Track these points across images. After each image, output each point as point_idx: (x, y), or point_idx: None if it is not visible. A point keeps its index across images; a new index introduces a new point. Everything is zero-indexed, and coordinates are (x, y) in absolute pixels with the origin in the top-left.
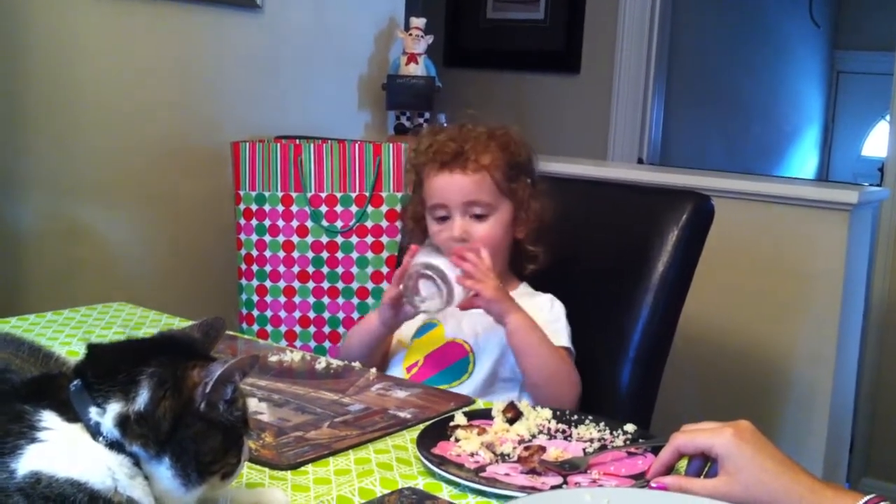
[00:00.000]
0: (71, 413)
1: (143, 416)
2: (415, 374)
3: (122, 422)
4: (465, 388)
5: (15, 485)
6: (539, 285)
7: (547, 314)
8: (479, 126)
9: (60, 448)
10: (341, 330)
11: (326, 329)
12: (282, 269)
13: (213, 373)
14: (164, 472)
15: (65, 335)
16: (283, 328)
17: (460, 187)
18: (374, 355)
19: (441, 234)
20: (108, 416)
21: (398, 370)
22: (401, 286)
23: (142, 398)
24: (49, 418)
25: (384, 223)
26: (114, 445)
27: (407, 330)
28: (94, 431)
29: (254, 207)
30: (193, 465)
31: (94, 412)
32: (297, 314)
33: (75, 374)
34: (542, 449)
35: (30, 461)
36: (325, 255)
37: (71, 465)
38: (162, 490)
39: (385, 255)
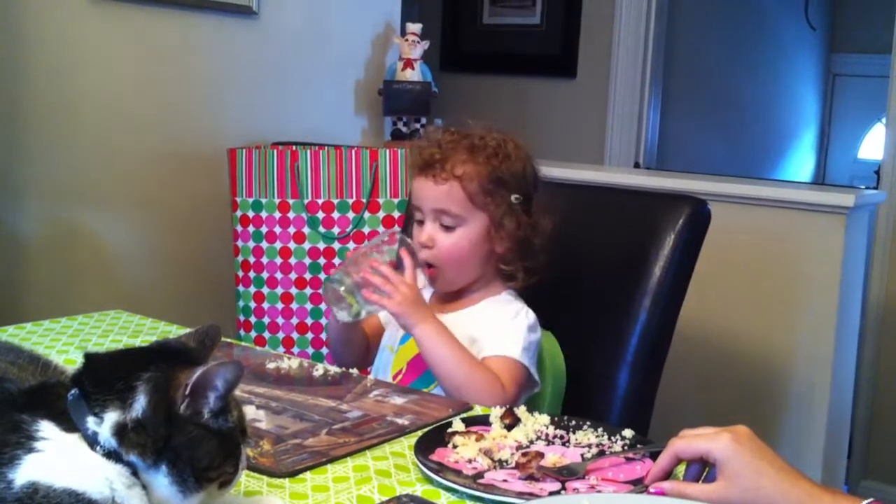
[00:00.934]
0: (69, 423)
1: (140, 424)
2: (400, 380)
3: (119, 431)
4: (440, 390)
5: (12, 495)
6: (535, 291)
7: (506, 323)
8: (474, 132)
9: (58, 458)
10: None
11: (324, 335)
12: (279, 275)
13: (193, 375)
14: (161, 480)
15: (62, 343)
16: (280, 335)
17: (430, 194)
18: (349, 347)
19: (416, 239)
20: (105, 425)
21: (388, 377)
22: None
23: (139, 404)
24: (46, 428)
25: (381, 229)
26: (111, 455)
27: (393, 337)
28: (92, 441)
29: (251, 214)
30: (190, 471)
31: (91, 422)
32: (294, 321)
33: (73, 384)
34: (540, 455)
35: (27, 471)
36: (322, 261)
37: (68, 475)
38: (160, 499)
39: None
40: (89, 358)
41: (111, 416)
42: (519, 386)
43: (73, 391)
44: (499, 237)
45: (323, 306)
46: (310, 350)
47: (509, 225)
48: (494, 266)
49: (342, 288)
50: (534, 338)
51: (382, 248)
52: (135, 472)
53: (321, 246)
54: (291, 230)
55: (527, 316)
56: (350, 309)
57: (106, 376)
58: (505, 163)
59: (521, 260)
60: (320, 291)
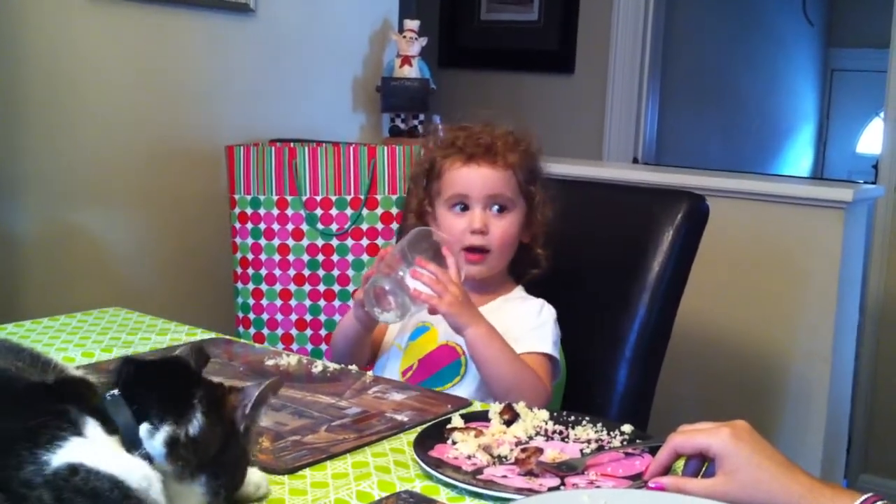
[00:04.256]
0: (108, 423)
1: (194, 441)
2: (409, 378)
3: (171, 443)
4: (457, 390)
5: (43, 477)
6: (535, 286)
7: (534, 319)
8: (500, 127)
9: (103, 447)
10: None
11: (323, 332)
12: (277, 272)
13: (249, 396)
14: (195, 490)
15: (61, 341)
16: (279, 331)
17: (487, 180)
18: (359, 353)
19: (458, 226)
20: (158, 436)
21: (395, 375)
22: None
23: (196, 423)
24: (90, 423)
25: (379, 225)
26: (147, 458)
27: (402, 334)
28: (132, 445)
29: (249, 211)
30: (230, 485)
31: (144, 429)
32: (293, 317)
33: (115, 386)
34: (540, 450)
35: (69, 454)
36: (320, 257)
37: (113, 462)
38: (187, 502)
39: None
40: (134, 365)
41: (166, 429)
42: (552, 381)
43: (112, 392)
44: (534, 225)
45: (322, 303)
46: (308, 346)
47: (546, 213)
48: (510, 261)
49: (388, 286)
50: (558, 331)
51: (421, 245)
52: (164, 478)
53: (319, 243)
54: (290, 227)
55: (550, 311)
56: (394, 309)
57: (162, 389)
58: (535, 155)
59: (548, 246)
60: (363, 289)
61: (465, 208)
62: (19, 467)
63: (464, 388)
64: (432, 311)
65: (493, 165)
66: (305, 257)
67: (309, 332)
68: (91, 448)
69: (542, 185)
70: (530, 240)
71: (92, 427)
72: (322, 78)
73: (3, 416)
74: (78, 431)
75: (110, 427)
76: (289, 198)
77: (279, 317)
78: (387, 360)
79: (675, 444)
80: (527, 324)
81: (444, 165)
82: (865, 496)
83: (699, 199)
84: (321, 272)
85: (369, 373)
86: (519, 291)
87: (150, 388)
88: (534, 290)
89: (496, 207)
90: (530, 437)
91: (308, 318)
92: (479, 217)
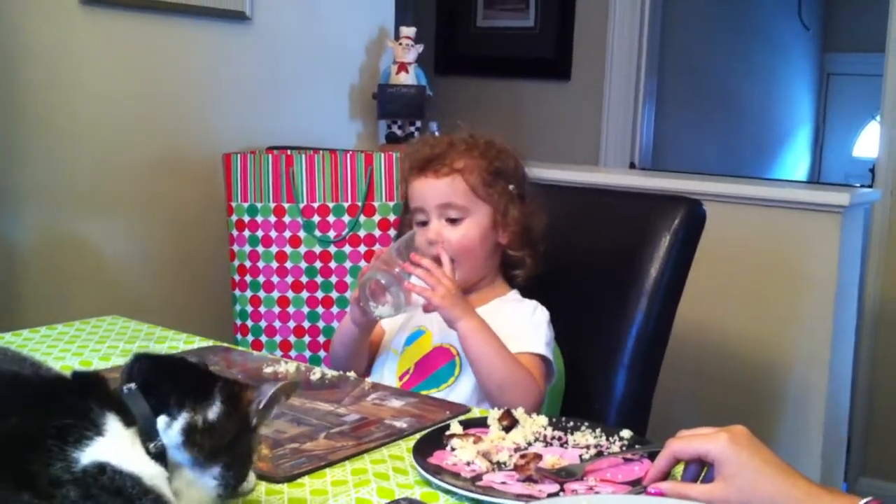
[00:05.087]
0: (127, 416)
1: (211, 426)
2: (406, 381)
3: (189, 430)
4: (452, 392)
5: (71, 475)
6: (532, 292)
7: (528, 320)
8: (463, 134)
9: (125, 444)
10: None
11: (321, 339)
12: (275, 279)
13: (264, 393)
14: (207, 482)
15: (58, 350)
16: (277, 338)
17: (433, 190)
18: (357, 358)
19: (420, 238)
20: (176, 424)
21: (392, 379)
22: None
23: (214, 409)
24: (111, 419)
25: (377, 232)
26: (162, 453)
27: (398, 338)
28: (149, 437)
29: (246, 219)
30: (241, 474)
31: (162, 421)
32: (291, 324)
33: (128, 380)
34: (539, 456)
35: (97, 452)
36: (318, 265)
37: (134, 461)
38: (192, 499)
39: None
40: (148, 360)
41: (185, 416)
42: (546, 381)
43: (129, 386)
44: (504, 227)
45: (320, 310)
46: (307, 353)
47: (513, 213)
48: (498, 263)
49: (383, 280)
50: (552, 332)
51: (416, 244)
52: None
53: (317, 250)
54: (287, 234)
55: (543, 312)
56: (388, 304)
57: (184, 380)
58: (499, 157)
59: (525, 247)
60: (359, 285)
61: (426, 221)
62: (49, 464)
63: (459, 388)
64: (426, 308)
65: (436, 174)
66: (303, 264)
67: (307, 339)
68: (114, 447)
69: (511, 184)
70: (507, 241)
71: (111, 422)
72: (318, 85)
73: (31, 413)
74: (100, 430)
75: (127, 419)
76: (286, 205)
77: (277, 324)
78: (384, 363)
79: (674, 450)
80: (520, 324)
81: (408, 180)
82: (864, 500)
83: (696, 204)
84: (319, 279)
85: (368, 380)
86: (514, 294)
87: (170, 380)
88: (530, 294)
89: (448, 217)
90: (529, 443)
91: (306, 325)
92: (433, 228)
